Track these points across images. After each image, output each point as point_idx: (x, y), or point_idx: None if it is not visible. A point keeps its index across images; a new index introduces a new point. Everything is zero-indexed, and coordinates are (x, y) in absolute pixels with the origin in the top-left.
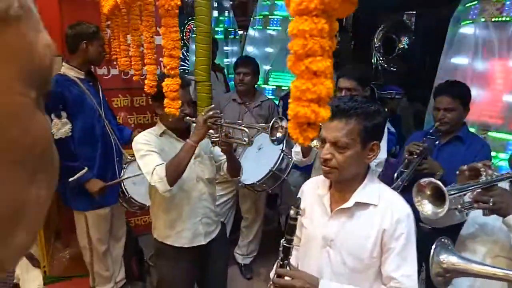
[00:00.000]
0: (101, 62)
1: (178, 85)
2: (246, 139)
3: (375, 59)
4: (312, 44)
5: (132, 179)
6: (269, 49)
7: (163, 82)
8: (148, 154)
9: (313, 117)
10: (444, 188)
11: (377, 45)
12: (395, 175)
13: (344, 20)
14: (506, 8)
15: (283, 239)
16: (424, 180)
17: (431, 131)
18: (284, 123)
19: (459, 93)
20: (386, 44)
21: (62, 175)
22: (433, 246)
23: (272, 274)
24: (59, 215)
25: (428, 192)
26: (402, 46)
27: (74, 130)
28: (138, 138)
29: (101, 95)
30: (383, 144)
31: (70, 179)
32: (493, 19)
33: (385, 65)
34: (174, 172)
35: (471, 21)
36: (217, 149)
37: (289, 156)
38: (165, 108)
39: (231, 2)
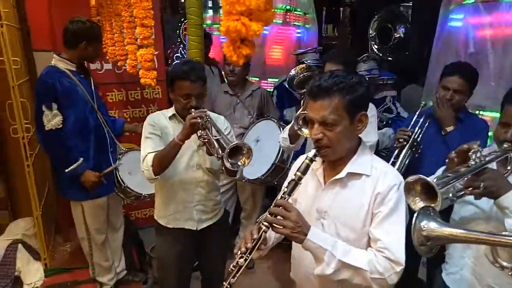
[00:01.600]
0: (95, 60)
1: (153, 55)
2: (220, 152)
3: (370, 49)
4: None
5: (127, 169)
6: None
7: (138, 52)
8: (148, 138)
9: (244, 31)
10: (434, 183)
11: (372, 35)
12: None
13: (341, 14)
14: None
15: (294, 174)
16: (411, 178)
17: (427, 109)
18: (249, 154)
19: (471, 77)
20: (382, 33)
21: (57, 166)
22: (415, 214)
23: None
24: (58, 209)
25: (419, 188)
26: (398, 36)
27: (67, 122)
28: (149, 117)
29: (93, 88)
30: (374, 126)
31: (67, 170)
32: (482, 0)
33: (381, 55)
34: (159, 164)
35: (459, 4)
36: None
37: None
38: (141, 79)
39: None
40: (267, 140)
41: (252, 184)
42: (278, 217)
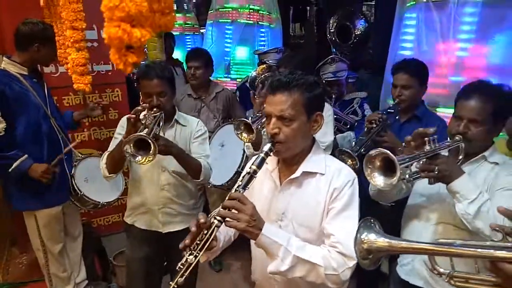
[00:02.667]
0: (50, 63)
1: (85, 59)
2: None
3: (333, 48)
4: None
5: (83, 176)
6: (227, 42)
7: (69, 56)
8: (114, 138)
9: (126, 38)
10: (395, 157)
11: (332, 34)
12: (353, 142)
13: (308, 13)
14: None
15: (249, 167)
16: (374, 151)
17: (390, 106)
18: (153, 155)
19: (416, 71)
20: (342, 32)
21: (3, 174)
22: (356, 228)
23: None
24: (14, 221)
25: (378, 164)
26: (359, 33)
27: (18, 129)
28: (123, 118)
29: (46, 92)
30: (330, 126)
31: (10, 169)
32: (433, 0)
33: (339, 54)
34: (110, 162)
35: (413, 3)
36: (194, 146)
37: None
38: (74, 84)
39: (194, 1)
40: (232, 145)
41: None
42: (233, 210)
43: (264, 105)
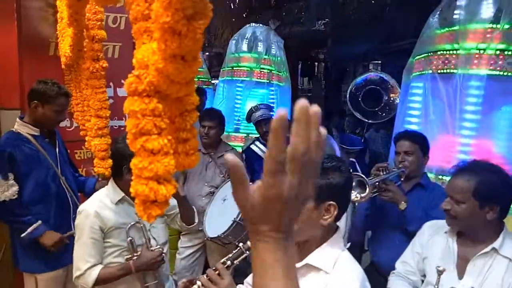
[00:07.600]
0: (53, 127)
1: (108, 144)
2: None
3: (357, 111)
4: (145, 123)
5: None
6: (238, 99)
7: (92, 142)
8: (85, 244)
9: (153, 195)
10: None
11: (360, 98)
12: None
13: (316, 69)
14: (449, 62)
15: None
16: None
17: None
18: None
19: (418, 139)
20: (369, 97)
21: (13, 234)
22: None
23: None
24: (14, 276)
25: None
26: (391, 100)
27: (26, 189)
28: (88, 214)
29: (57, 151)
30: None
31: (23, 235)
32: (439, 71)
33: (369, 120)
34: (107, 280)
35: (419, 73)
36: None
37: None
38: (95, 167)
39: (207, 53)
40: (234, 200)
41: (222, 247)
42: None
43: None
